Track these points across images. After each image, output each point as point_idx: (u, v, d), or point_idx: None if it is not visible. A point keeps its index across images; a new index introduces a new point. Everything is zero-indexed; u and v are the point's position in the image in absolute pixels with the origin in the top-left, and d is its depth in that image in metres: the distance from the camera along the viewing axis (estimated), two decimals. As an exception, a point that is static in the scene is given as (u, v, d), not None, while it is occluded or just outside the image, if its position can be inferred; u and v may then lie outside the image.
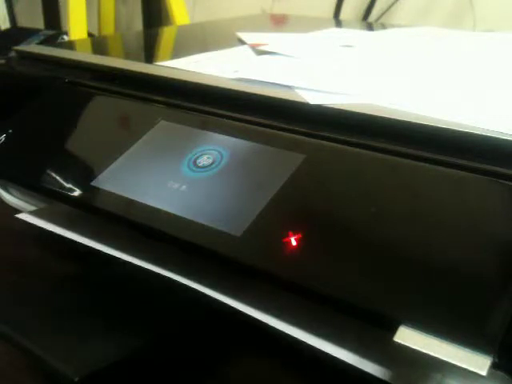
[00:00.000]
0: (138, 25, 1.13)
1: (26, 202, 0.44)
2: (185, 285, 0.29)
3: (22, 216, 0.38)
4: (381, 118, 0.32)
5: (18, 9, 1.23)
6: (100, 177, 0.34)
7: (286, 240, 0.27)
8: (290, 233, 0.27)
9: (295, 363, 0.30)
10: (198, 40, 0.62)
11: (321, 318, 0.29)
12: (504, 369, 0.23)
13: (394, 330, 0.23)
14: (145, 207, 0.32)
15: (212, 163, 0.32)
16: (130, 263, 0.32)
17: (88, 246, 0.34)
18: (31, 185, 0.38)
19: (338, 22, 0.79)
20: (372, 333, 0.26)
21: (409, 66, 0.44)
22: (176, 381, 0.31)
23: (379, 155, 0.30)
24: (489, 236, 0.25)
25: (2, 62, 0.48)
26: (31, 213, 0.40)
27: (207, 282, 0.30)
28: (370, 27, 0.74)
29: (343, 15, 0.89)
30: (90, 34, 0.89)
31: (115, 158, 0.35)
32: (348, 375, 0.26)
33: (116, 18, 1.06)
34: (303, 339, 0.26)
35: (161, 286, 0.31)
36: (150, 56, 0.57)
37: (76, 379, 0.25)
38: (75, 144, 0.38)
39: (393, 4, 0.86)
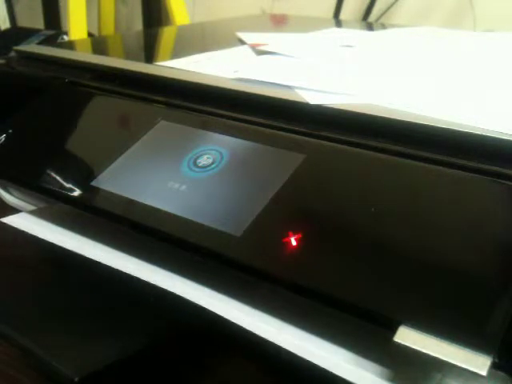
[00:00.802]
0: (138, 25, 1.13)
1: (26, 202, 0.44)
2: (177, 296, 0.29)
3: (6, 220, 0.38)
4: (381, 117, 0.32)
5: (18, 9, 1.23)
6: (100, 177, 0.34)
7: (285, 240, 0.27)
8: (290, 233, 0.27)
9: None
10: (198, 40, 0.62)
11: (318, 320, 0.29)
12: (504, 369, 0.23)
13: (394, 330, 0.23)
14: (145, 207, 0.32)
15: (212, 163, 0.32)
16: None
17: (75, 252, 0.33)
18: (31, 185, 0.38)
19: (338, 22, 0.79)
20: (372, 333, 0.26)
21: (409, 66, 0.44)
22: (176, 381, 0.31)
23: (379, 155, 0.30)
24: (489, 236, 0.25)
25: (2, 61, 0.48)
26: (30, 213, 0.40)
27: (202, 286, 0.30)
28: (370, 27, 0.74)
29: (343, 15, 0.89)
30: (90, 34, 0.89)
31: (115, 158, 0.35)
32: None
33: (116, 18, 1.06)
34: (297, 353, 0.26)
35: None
36: (150, 56, 0.57)
37: (76, 379, 0.25)
38: (75, 144, 0.38)
39: (393, 4, 0.86)
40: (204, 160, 0.33)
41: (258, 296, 0.29)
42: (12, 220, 0.39)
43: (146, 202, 0.32)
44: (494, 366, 0.22)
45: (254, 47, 0.50)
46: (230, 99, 0.37)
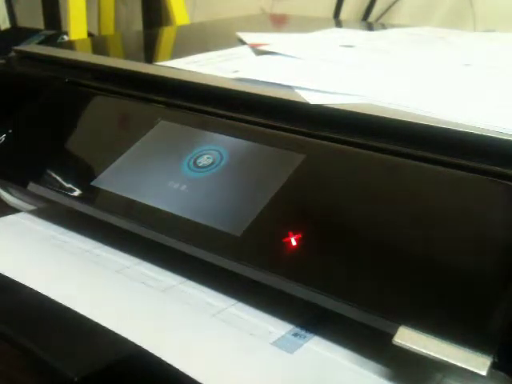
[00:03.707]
0: (138, 25, 1.13)
1: (26, 202, 0.44)
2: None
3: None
4: (381, 117, 0.32)
5: (17, 9, 1.23)
6: (100, 177, 0.34)
7: (285, 240, 0.27)
8: (290, 233, 0.27)
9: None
10: (198, 40, 0.62)
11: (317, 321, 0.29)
12: (504, 369, 0.23)
13: (393, 331, 0.23)
14: (145, 207, 0.32)
15: (212, 163, 0.32)
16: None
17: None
18: (31, 185, 0.38)
19: (338, 22, 0.79)
20: (372, 333, 0.26)
21: (409, 65, 0.44)
22: (177, 381, 0.31)
23: (379, 155, 0.30)
24: (489, 236, 0.25)
25: (2, 62, 0.48)
26: (30, 212, 0.40)
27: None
28: (370, 27, 0.74)
29: (343, 15, 0.89)
30: (90, 34, 0.89)
31: (115, 158, 0.35)
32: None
33: (116, 18, 1.06)
34: None
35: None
36: (149, 56, 0.57)
37: (76, 379, 0.25)
38: (75, 144, 0.38)
39: (393, 4, 0.86)
40: (204, 160, 0.33)
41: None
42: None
43: (146, 202, 0.32)
44: (494, 366, 0.22)
45: (254, 47, 0.50)
46: (230, 99, 0.37)
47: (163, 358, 0.25)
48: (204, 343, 0.27)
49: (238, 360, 0.26)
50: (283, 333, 0.28)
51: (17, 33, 1.00)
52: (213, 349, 0.27)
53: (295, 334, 0.28)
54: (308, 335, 0.28)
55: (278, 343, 0.27)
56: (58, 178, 0.36)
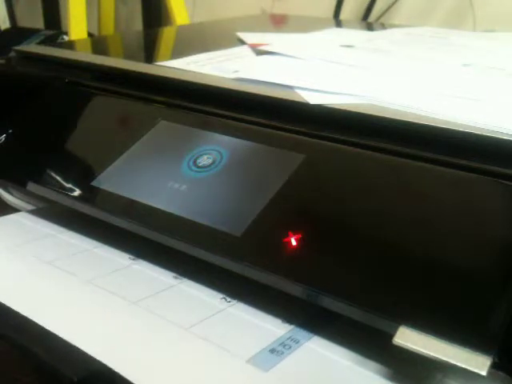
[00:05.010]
0: (138, 25, 1.13)
1: (26, 202, 0.44)
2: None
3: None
4: (381, 117, 0.32)
5: (18, 9, 1.23)
6: (100, 177, 0.34)
7: (285, 240, 0.27)
8: (290, 233, 0.27)
9: None
10: (198, 40, 0.62)
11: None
12: (504, 369, 0.23)
13: (394, 331, 0.23)
14: (145, 207, 0.32)
15: (212, 163, 0.32)
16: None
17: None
18: (31, 185, 0.38)
19: (338, 22, 0.79)
20: (372, 333, 0.26)
21: (409, 65, 0.44)
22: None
23: (379, 155, 0.30)
24: (489, 236, 0.25)
25: (2, 62, 0.48)
26: (30, 212, 0.40)
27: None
28: (370, 27, 0.74)
29: (343, 15, 0.89)
30: (90, 34, 0.89)
31: (115, 158, 0.35)
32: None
33: (116, 18, 1.06)
34: None
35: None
36: (150, 56, 0.57)
37: (76, 379, 0.25)
38: (75, 144, 0.38)
39: (393, 4, 0.86)
40: (204, 160, 0.33)
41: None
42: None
43: (146, 202, 0.32)
44: (494, 366, 0.22)
45: (254, 47, 0.50)
46: (230, 99, 0.37)
47: (128, 378, 0.24)
48: (176, 361, 0.26)
49: (209, 380, 0.25)
50: (259, 349, 0.27)
51: (17, 33, 1.00)
52: (185, 368, 0.26)
53: (272, 350, 0.27)
54: (286, 351, 0.27)
55: (253, 361, 0.26)
56: (58, 177, 0.36)
